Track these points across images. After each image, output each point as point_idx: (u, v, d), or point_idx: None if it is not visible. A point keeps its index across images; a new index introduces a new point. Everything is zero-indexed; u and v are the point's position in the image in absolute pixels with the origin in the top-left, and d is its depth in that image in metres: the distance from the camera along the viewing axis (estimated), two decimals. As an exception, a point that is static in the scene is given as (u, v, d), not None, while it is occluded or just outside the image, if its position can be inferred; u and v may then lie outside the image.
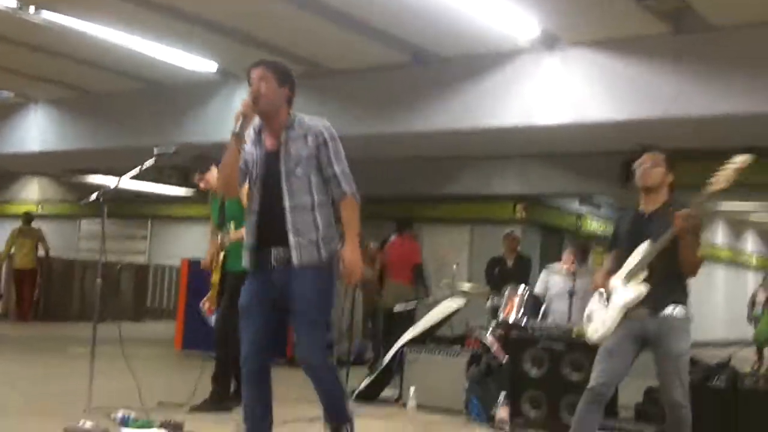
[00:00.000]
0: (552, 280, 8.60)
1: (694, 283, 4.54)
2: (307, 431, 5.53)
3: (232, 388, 6.30)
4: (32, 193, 22.30)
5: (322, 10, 8.00)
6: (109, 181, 14.33)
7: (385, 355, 7.99)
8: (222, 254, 6.50)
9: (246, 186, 4.22)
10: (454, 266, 9.99)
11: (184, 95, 11.08)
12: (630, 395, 6.43)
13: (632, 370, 4.58)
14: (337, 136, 4.20)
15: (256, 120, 4.15)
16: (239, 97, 4.11)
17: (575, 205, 17.37)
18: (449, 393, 7.00)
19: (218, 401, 6.25)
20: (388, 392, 7.67)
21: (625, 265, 4.54)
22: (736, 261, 24.57)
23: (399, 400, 7.31)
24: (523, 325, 7.44)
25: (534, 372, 6.60)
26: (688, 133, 8.49)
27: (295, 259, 4.00)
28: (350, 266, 4.03)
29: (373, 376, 7.64)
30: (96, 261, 5.97)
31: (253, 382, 4.12)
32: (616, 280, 4.56)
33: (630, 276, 4.48)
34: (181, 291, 11.50)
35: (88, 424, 5.12)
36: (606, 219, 17.86)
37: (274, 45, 8.93)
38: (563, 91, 8.39)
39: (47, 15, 8.52)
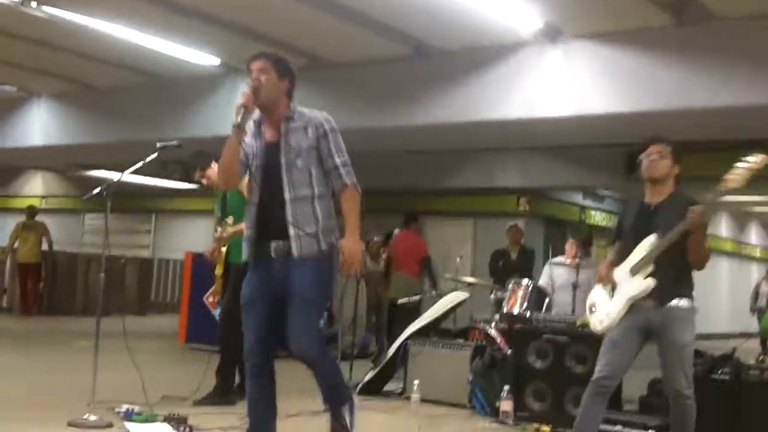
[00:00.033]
0: (556, 272, 8.59)
1: (698, 275, 4.54)
2: (311, 424, 5.53)
3: (236, 382, 6.31)
4: (36, 187, 22.33)
5: (323, 3, 7.99)
6: (113, 175, 14.33)
7: (388, 348, 8.00)
8: (225, 247, 6.51)
9: (247, 179, 4.22)
10: (458, 259, 10.01)
11: (186, 89, 11.08)
12: (634, 388, 6.42)
13: (636, 363, 4.58)
14: (340, 129, 4.19)
15: (256, 112, 4.14)
16: (241, 91, 4.09)
17: (578, 198, 17.37)
18: (453, 386, 7.00)
19: (222, 395, 6.26)
20: (391, 386, 7.66)
21: (631, 256, 4.54)
22: (739, 253, 24.55)
23: (403, 394, 7.31)
24: (527, 317, 7.44)
25: (538, 364, 6.59)
26: (690, 125, 8.47)
27: (294, 251, 3.99)
28: (350, 257, 4.01)
29: (376, 370, 7.64)
30: (100, 255, 5.96)
31: (257, 375, 4.12)
32: (622, 272, 4.56)
33: (636, 269, 4.48)
34: (185, 285, 11.51)
35: (92, 418, 5.14)
36: (609, 211, 17.85)
37: (275, 38, 8.92)
38: (566, 83, 8.37)
39: (49, 9, 8.51)
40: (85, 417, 5.14)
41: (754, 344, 12.97)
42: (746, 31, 7.45)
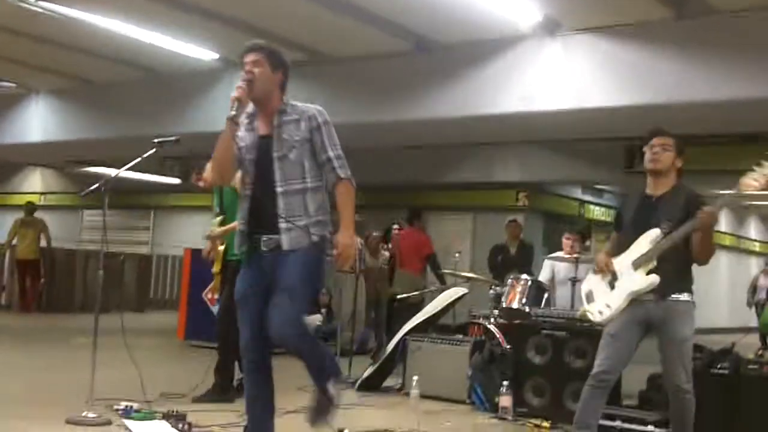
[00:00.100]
0: (556, 267, 8.58)
1: (696, 270, 4.53)
2: (320, 429, 5.51)
3: (237, 379, 6.29)
4: (34, 183, 22.32)
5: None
6: (112, 172, 14.34)
7: (387, 344, 7.99)
8: (223, 245, 6.49)
9: (239, 173, 4.19)
10: (456, 255, 10.00)
11: (185, 84, 11.06)
12: (633, 382, 6.41)
13: (635, 357, 4.56)
14: (340, 124, 4.16)
15: (250, 106, 4.11)
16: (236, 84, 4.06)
17: (578, 192, 17.36)
18: (452, 382, 6.99)
19: (221, 392, 6.25)
20: (391, 381, 7.66)
21: (633, 248, 4.52)
22: (739, 247, 24.55)
23: (402, 390, 7.30)
24: (525, 312, 7.43)
25: (537, 360, 6.59)
26: (690, 118, 8.45)
27: (284, 244, 3.93)
28: (344, 251, 3.97)
29: (375, 366, 7.63)
30: (99, 252, 5.94)
31: (254, 371, 4.10)
32: (623, 264, 4.54)
33: (639, 263, 4.46)
34: (184, 281, 11.51)
35: (91, 415, 5.12)
36: (608, 206, 17.84)
37: (275, 33, 8.88)
38: (565, 77, 8.35)
39: (48, 5, 8.48)
40: (83, 414, 5.12)
41: (754, 339, 12.96)
42: (746, 24, 7.42)
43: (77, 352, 8.13)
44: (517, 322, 7.28)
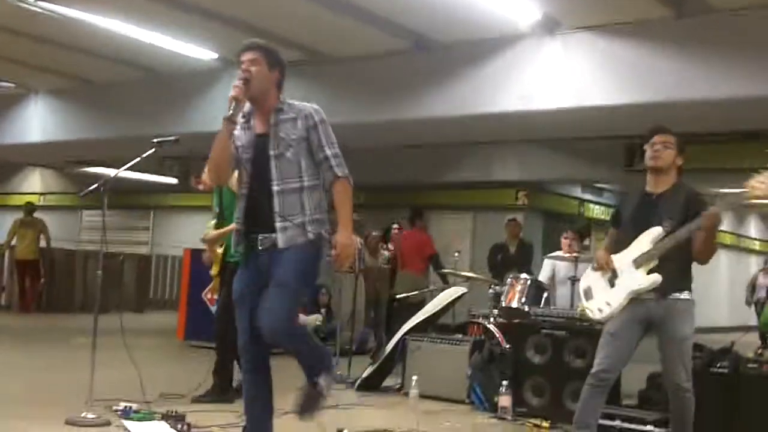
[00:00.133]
0: (556, 266, 8.57)
1: (696, 268, 4.53)
2: (307, 421, 5.50)
3: (235, 380, 6.28)
4: (34, 184, 22.31)
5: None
6: (111, 172, 14.34)
7: (387, 344, 7.98)
8: (221, 248, 6.49)
9: (237, 173, 4.18)
10: (456, 254, 9.99)
11: (185, 84, 11.06)
12: (633, 382, 6.40)
13: (635, 356, 4.56)
14: (340, 123, 4.15)
15: (247, 105, 4.10)
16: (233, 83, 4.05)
17: (577, 191, 17.35)
18: (452, 381, 6.98)
19: (220, 393, 6.24)
20: (390, 381, 7.65)
21: (634, 246, 4.51)
22: (739, 246, 24.54)
23: (401, 389, 7.29)
24: (525, 311, 7.42)
25: (537, 359, 6.58)
26: (690, 117, 8.44)
27: (280, 242, 3.92)
28: (343, 251, 3.96)
29: (375, 365, 7.62)
30: (98, 252, 5.94)
31: (252, 371, 4.09)
32: (624, 262, 4.53)
33: (640, 262, 4.45)
34: (183, 281, 11.49)
35: (90, 416, 5.12)
36: (608, 205, 17.83)
37: (275, 33, 8.87)
38: (565, 75, 8.34)
39: (48, 5, 8.48)
40: (83, 415, 5.11)
41: (753, 338, 12.94)
42: (746, 22, 7.42)
43: (77, 352, 8.12)
44: (516, 321, 7.28)
